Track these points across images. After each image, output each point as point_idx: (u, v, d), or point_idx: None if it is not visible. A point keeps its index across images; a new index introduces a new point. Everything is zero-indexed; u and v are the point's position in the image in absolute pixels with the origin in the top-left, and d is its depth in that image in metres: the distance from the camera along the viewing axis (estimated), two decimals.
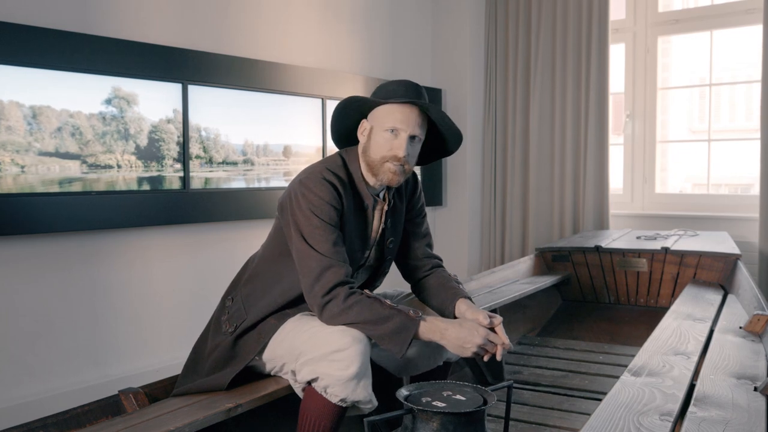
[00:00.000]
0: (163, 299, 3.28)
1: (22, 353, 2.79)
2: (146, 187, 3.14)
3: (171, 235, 3.30)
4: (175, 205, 3.23)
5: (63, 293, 2.91)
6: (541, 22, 4.75)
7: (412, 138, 1.83)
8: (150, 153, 3.17)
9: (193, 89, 3.29)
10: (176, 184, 3.27)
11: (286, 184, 3.73)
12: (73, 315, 2.94)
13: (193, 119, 3.32)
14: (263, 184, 3.68)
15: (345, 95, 4.04)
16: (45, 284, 2.85)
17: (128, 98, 3.06)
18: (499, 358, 1.74)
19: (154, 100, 3.16)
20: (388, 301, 1.73)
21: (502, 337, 1.75)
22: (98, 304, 3.03)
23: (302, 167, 3.73)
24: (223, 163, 3.49)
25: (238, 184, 3.55)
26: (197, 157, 3.37)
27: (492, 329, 1.77)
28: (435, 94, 4.82)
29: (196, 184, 3.36)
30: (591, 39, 4.57)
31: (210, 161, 3.42)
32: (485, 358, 1.74)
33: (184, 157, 3.25)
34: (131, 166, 3.10)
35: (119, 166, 3.05)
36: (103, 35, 2.93)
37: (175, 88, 3.23)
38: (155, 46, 3.11)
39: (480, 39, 5.00)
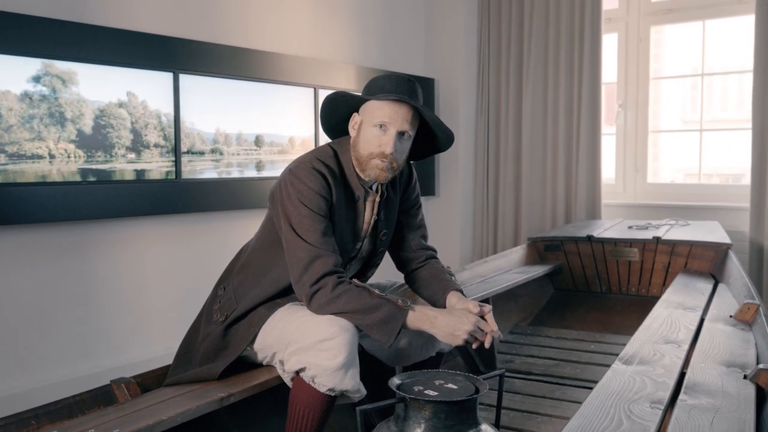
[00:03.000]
0: (154, 289, 3.27)
1: (13, 344, 2.77)
2: (92, 179, 2.84)
3: (163, 225, 3.29)
4: (167, 194, 3.20)
5: (54, 284, 2.89)
6: (534, 12, 4.74)
7: (401, 134, 1.81)
8: (95, 141, 2.82)
9: (151, 75, 3.04)
10: (129, 176, 2.98)
11: (258, 174, 3.65)
12: (65, 306, 2.93)
13: (151, 104, 3.05)
14: (236, 175, 3.49)
15: (337, 85, 4.06)
16: (35, 275, 2.83)
17: (63, 77, 2.64)
18: (487, 345, 1.75)
19: (98, 80, 2.76)
20: (376, 291, 1.73)
21: (491, 325, 1.76)
22: (90, 294, 3.02)
23: (273, 157, 3.72)
24: (187, 152, 3.23)
25: (208, 174, 3.35)
26: (156, 145, 3.08)
27: (482, 317, 1.77)
28: (428, 84, 4.81)
29: (154, 175, 3.08)
30: (584, 29, 4.56)
31: (173, 150, 3.17)
32: (474, 346, 1.75)
33: (176, 148, 3.22)
34: (69, 156, 2.71)
35: (52, 156, 2.66)
36: (95, 24, 2.90)
37: (134, 73, 2.97)
38: (145, 35, 3.08)
39: (473, 29, 4.99)
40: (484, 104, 4.97)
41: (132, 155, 2.97)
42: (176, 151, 3.23)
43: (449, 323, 1.71)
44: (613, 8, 4.77)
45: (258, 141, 3.61)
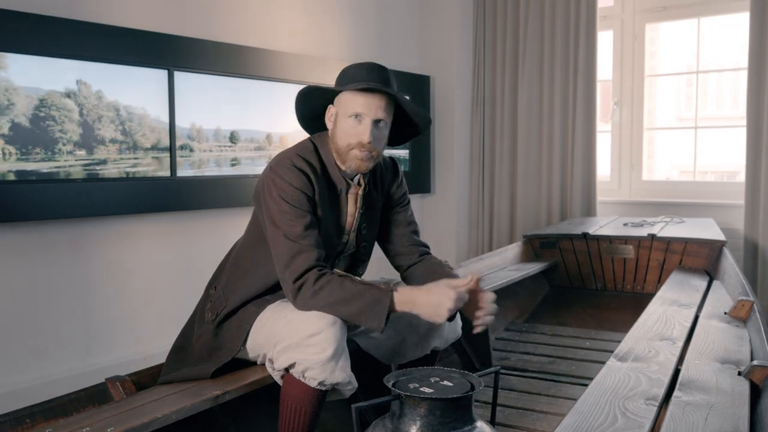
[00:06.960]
0: (149, 287, 3.26)
1: (8, 342, 2.76)
2: (32, 178, 2.57)
3: (158, 223, 3.28)
4: (163, 192, 3.18)
5: (49, 281, 2.88)
6: (530, 9, 4.73)
7: (377, 122, 1.81)
8: (33, 136, 2.48)
9: (127, 70, 2.87)
10: (78, 175, 2.72)
11: (234, 173, 3.55)
12: (60, 303, 2.92)
13: (109, 96, 2.77)
14: (213, 173, 3.35)
15: (332, 81, 4.04)
16: (31, 272, 2.82)
17: None
18: (477, 330, 1.80)
19: (37, 68, 2.40)
20: (358, 278, 1.73)
21: (484, 302, 1.81)
22: (85, 292, 3.00)
23: (246, 154, 3.65)
24: (152, 148, 2.98)
25: (184, 171, 3.18)
26: (112, 141, 2.78)
27: (472, 291, 1.79)
28: (423, 81, 4.81)
29: (111, 172, 2.79)
30: (579, 26, 4.56)
31: (134, 147, 2.88)
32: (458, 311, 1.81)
33: (171, 145, 3.19)
34: None
35: None
36: (86, 20, 2.89)
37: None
38: (137, 31, 3.07)
39: (468, 26, 4.98)
40: (479, 101, 4.97)
41: (82, 152, 2.65)
42: (171, 148, 3.20)
43: (431, 302, 1.70)
44: (608, 5, 4.77)
45: (233, 137, 3.45)
